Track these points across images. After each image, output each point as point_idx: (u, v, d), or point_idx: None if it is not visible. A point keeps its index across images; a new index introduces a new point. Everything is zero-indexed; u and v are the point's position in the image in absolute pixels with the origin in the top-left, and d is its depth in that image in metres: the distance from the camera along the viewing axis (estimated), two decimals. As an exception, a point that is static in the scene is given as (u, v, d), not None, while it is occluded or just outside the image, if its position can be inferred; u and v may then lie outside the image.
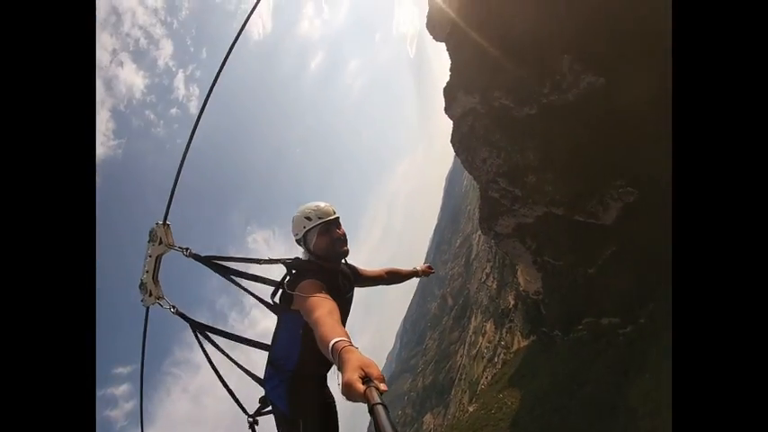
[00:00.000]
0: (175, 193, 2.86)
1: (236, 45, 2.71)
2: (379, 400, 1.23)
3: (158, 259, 2.99)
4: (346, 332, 1.87)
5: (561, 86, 20.06)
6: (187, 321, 3.06)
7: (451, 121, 29.43)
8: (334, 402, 3.13)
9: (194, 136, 2.86)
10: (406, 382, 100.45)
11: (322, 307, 2.17)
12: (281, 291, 2.75)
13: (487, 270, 60.09)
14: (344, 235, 2.85)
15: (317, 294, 2.32)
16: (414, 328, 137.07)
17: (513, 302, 41.67)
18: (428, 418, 65.35)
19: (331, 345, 1.69)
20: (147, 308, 3.07)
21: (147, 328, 3.15)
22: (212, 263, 2.93)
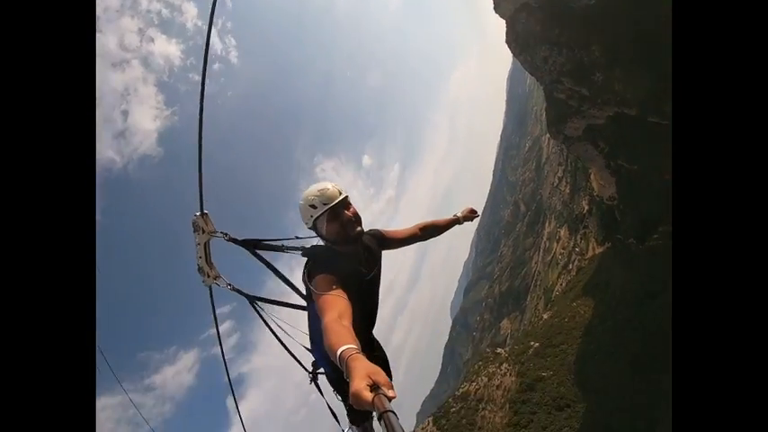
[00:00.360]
0: (203, 178, 3.09)
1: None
2: (388, 408, 1.22)
3: (207, 245, 3.29)
4: (354, 337, 1.85)
5: None
6: (242, 296, 3.38)
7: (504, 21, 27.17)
8: (383, 354, 3.33)
9: (203, 109, 2.97)
10: (483, 288, 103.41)
11: (332, 310, 2.15)
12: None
13: (559, 174, 57.84)
14: (356, 214, 2.71)
15: (329, 293, 2.29)
16: (488, 236, 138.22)
17: (587, 208, 40.15)
18: (505, 323, 67.60)
19: (338, 353, 1.69)
20: (210, 287, 3.40)
21: (215, 304, 3.57)
22: (249, 246, 3.17)
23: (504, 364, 31.31)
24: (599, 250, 34.97)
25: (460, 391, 32.91)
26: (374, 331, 3.24)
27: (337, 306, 2.19)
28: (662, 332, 20.46)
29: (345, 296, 2.30)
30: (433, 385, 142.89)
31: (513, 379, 29.76)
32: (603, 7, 19.13)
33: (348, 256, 2.70)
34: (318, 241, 2.82)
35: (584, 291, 32.41)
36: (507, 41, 27.47)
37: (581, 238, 40.79)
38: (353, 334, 1.92)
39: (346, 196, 2.69)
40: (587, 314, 29.46)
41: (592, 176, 34.64)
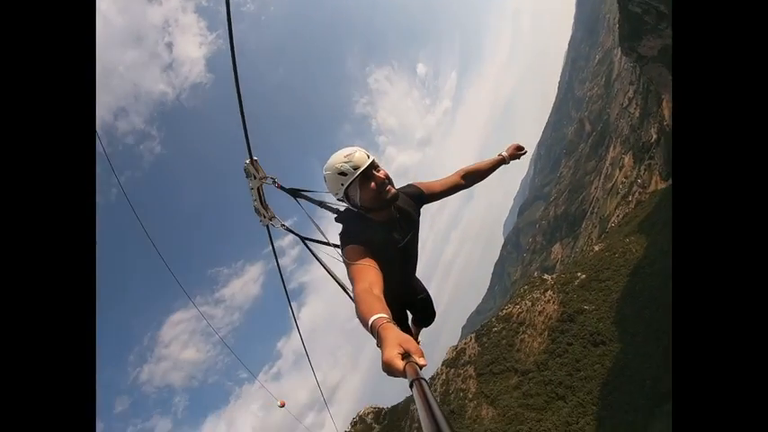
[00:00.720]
0: (246, 122, 2.98)
1: None
2: (420, 375, 1.23)
3: (260, 188, 3.52)
4: (384, 306, 1.87)
5: None
6: (296, 236, 3.63)
7: None
8: (426, 295, 3.50)
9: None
10: (539, 209, 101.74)
11: (362, 280, 2.16)
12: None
13: (630, 94, 53.49)
14: (387, 176, 2.57)
15: (359, 262, 2.29)
16: (548, 154, 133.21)
17: (655, 136, 37.50)
18: (557, 248, 67.37)
19: (370, 323, 1.73)
20: (267, 226, 3.68)
21: (273, 242, 3.90)
22: (294, 194, 3.35)
23: (549, 292, 31.59)
24: (661, 186, 33.51)
25: (504, 312, 33.69)
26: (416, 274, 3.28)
27: (368, 276, 2.19)
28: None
29: (376, 265, 2.29)
30: (480, 301, 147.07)
31: (556, 307, 30.15)
32: None
33: (381, 224, 2.63)
34: (350, 209, 2.76)
35: (639, 227, 31.32)
36: None
37: (645, 170, 38.72)
38: (384, 303, 1.94)
39: (374, 159, 2.58)
40: (638, 253, 28.71)
41: (664, 103, 32.03)
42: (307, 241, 3.54)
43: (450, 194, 3.17)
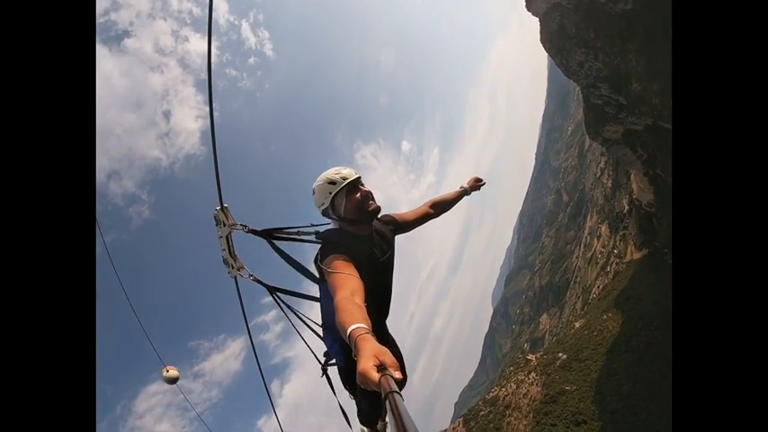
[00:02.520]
0: (221, 175, 3.04)
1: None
2: (394, 388, 1.20)
3: (229, 237, 3.43)
4: (365, 316, 1.84)
5: None
6: (263, 286, 3.47)
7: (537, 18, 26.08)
8: (396, 348, 3.26)
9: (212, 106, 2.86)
10: (525, 279, 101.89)
11: (344, 288, 2.13)
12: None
13: (602, 165, 55.62)
14: (371, 192, 2.76)
15: (341, 271, 2.28)
16: (530, 223, 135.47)
17: (627, 207, 38.69)
18: (544, 318, 66.94)
19: (348, 332, 1.69)
20: (235, 278, 3.52)
21: (241, 294, 3.66)
22: (266, 236, 3.23)
23: (533, 373, 31.87)
24: (636, 256, 34.27)
25: (491, 395, 33.85)
26: (397, 322, 3.26)
27: (350, 284, 2.17)
28: None
29: (358, 275, 2.28)
30: (472, 375, 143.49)
31: (539, 389, 30.30)
32: (642, 12, 17.89)
33: (362, 239, 2.72)
34: (331, 227, 2.87)
35: (615, 302, 32.43)
36: (542, 41, 26.42)
37: (620, 240, 39.68)
38: (365, 313, 1.90)
39: (360, 176, 2.76)
40: (615, 330, 29.68)
41: (632, 177, 33.27)
42: (276, 293, 3.45)
43: (422, 224, 3.35)
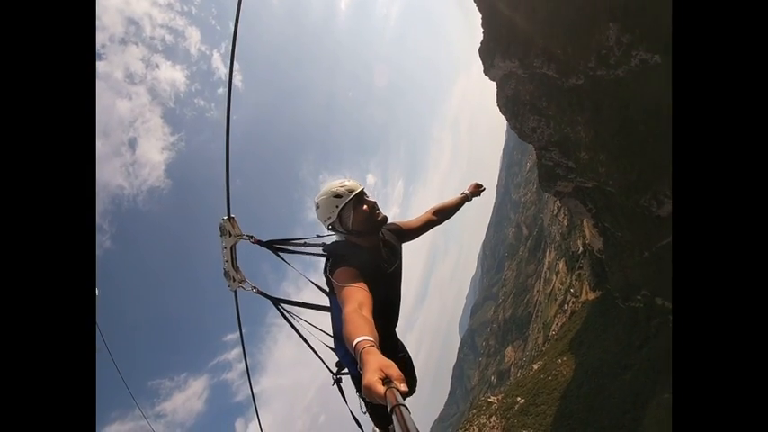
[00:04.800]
0: (230, 183, 3.06)
1: (255, 6, 2.81)
2: (400, 401, 1.21)
3: (233, 249, 3.34)
4: (372, 329, 1.84)
5: (608, 61, 16.97)
6: (267, 298, 3.36)
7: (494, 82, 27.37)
8: (407, 354, 3.22)
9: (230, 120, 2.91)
10: (490, 309, 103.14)
11: (352, 301, 2.13)
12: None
13: (558, 202, 57.90)
14: (376, 202, 2.74)
15: (350, 285, 2.28)
16: (493, 254, 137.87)
17: (581, 249, 40.92)
18: (509, 350, 68.08)
19: (354, 345, 1.69)
20: (235, 291, 3.43)
21: (239, 308, 3.57)
22: (273, 247, 3.22)
23: (493, 417, 33.42)
24: (591, 296, 36.10)
25: None
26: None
27: (358, 297, 2.16)
28: (629, 405, 22.07)
29: (367, 288, 2.28)
30: (442, 407, 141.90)
31: None
32: (592, 88, 18.85)
33: (369, 250, 2.69)
34: (337, 240, 2.85)
35: (570, 346, 33.88)
36: (498, 104, 27.71)
37: (576, 279, 41.60)
38: (372, 325, 1.90)
39: (364, 187, 2.74)
40: (568, 375, 31.01)
41: (584, 222, 35.31)
42: (279, 305, 3.35)
43: (426, 230, 3.34)
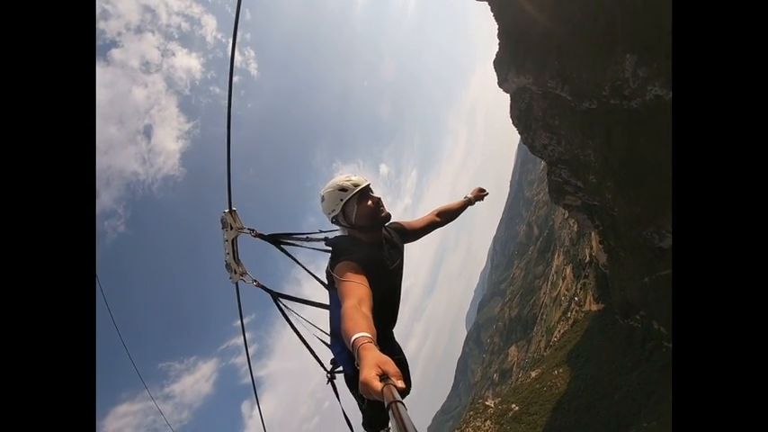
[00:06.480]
0: (231, 178, 3.06)
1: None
2: (397, 398, 1.20)
3: (234, 241, 3.34)
4: (370, 326, 1.83)
5: (623, 92, 16.68)
6: (267, 292, 3.35)
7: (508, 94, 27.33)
8: (402, 357, 3.14)
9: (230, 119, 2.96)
10: (497, 305, 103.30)
11: (352, 297, 2.13)
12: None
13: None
14: (381, 199, 2.74)
15: (351, 279, 2.28)
16: (503, 250, 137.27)
17: (588, 258, 41.15)
18: (513, 350, 68.80)
19: (351, 341, 1.68)
20: (236, 283, 3.42)
21: (241, 300, 3.56)
22: (275, 241, 3.24)
23: (488, 422, 34.32)
24: (594, 308, 36.46)
25: None
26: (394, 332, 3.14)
27: (358, 293, 2.16)
28: (614, 426, 22.65)
29: (367, 284, 2.27)
30: (445, 399, 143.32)
31: None
32: (605, 114, 18.70)
33: (371, 245, 2.69)
34: (340, 234, 2.85)
35: (567, 358, 34.42)
36: (511, 116, 27.99)
37: (581, 288, 41.73)
38: (371, 322, 1.90)
39: (370, 183, 2.74)
40: (562, 388, 31.61)
41: (592, 235, 35.51)
42: (278, 299, 3.34)
43: (429, 232, 3.34)
